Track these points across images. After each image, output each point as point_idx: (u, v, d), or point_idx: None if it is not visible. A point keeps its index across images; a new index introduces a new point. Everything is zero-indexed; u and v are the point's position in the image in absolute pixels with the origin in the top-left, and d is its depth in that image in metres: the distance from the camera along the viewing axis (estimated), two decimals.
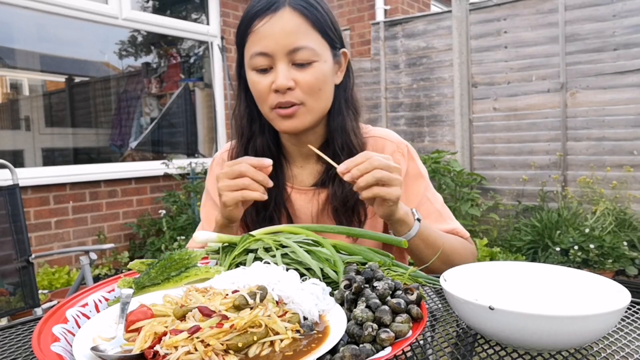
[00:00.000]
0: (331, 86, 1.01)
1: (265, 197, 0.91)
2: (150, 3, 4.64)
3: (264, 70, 0.96)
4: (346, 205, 1.03)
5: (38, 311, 2.13)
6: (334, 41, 1.00)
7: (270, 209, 1.06)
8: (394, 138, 1.11)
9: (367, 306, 0.60)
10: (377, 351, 0.55)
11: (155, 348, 0.52)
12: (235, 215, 0.94)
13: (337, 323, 0.59)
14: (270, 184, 0.91)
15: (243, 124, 1.07)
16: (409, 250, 0.98)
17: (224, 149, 1.17)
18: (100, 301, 0.74)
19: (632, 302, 0.72)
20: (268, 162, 0.89)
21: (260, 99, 0.99)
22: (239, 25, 0.99)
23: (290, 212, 1.08)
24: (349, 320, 0.60)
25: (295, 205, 1.08)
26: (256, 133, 1.07)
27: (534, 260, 3.56)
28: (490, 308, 0.56)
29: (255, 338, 0.54)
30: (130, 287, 0.72)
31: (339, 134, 1.03)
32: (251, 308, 0.57)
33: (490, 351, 0.60)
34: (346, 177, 0.84)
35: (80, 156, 4.41)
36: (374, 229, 1.07)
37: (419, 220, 0.94)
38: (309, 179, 1.09)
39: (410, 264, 1.10)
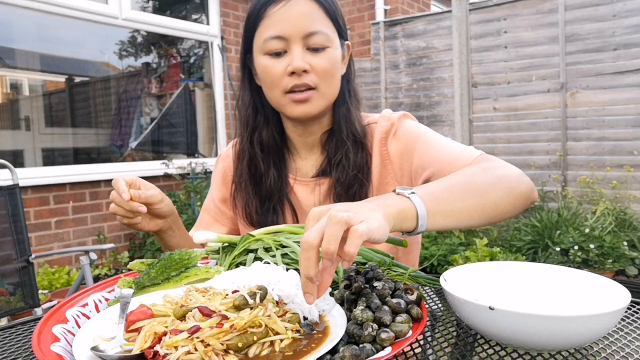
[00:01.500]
0: (340, 74, 1.03)
1: (138, 220, 0.96)
2: (150, 3, 4.64)
3: (277, 54, 0.96)
4: (349, 192, 1.02)
5: (38, 311, 2.13)
6: (342, 30, 1.02)
7: (274, 201, 1.07)
8: (381, 124, 1.05)
9: (367, 306, 0.60)
10: (377, 351, 0.55)
11: (155, 348, 0.52)
12: (141, 228, 1.00)
13: (337, 323, 0.59)
14: (142, 209, 0.93)
15: (248, 114, 1.07)
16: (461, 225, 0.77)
17: (230, 145, 1.17)
18: (100, 301, 0.74)
19: (632, 302, 0.72)
20: (126, 196, 0.92)
21: (273, 83, 0.98)
22: (250, 13, 1.00)
23: (293, 203, 1.08)
24: (349, 320, 0.60)
25: (299, 196, 1.08)
26: (261, 124, 1.07)
27: (534, 260, 3.56)
28: (490, 308, 0.56)
29: (255, 338, 0.54)
30: (130, 287, 0.72)
31: (344, 123, 1.03)
32: (251, 308, 0.57)
33: (490, 351, 0.60)
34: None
35: (80, 156, 4.41)
36: None
37: (413, 193, 0.70)
38: (311, 170, 1.09)
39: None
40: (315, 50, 0.96)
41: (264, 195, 1.07)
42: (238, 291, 0.62)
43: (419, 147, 1.00)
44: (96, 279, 3.32)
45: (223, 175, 1.17)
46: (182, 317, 0.57)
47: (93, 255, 2.36)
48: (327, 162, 1.06)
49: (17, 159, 3.87)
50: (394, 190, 0.71)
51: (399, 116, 1.06)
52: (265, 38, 0.96)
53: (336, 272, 0.74)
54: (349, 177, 1.02)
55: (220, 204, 1.17)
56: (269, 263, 0.72)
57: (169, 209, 1.02)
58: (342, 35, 1.03)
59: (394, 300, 0.61)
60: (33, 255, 2.15)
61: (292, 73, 0.95)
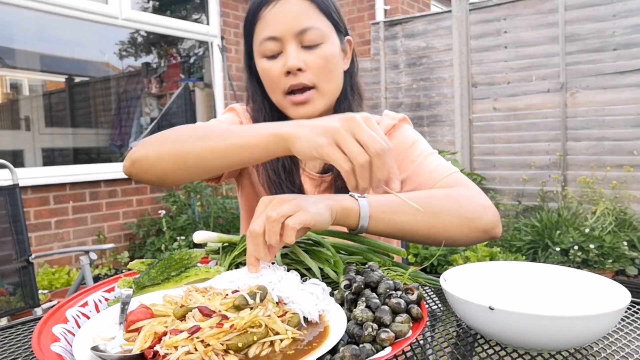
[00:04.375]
0: (341, 70, 1.02)
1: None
2: (150, 3, 4.64)
3: (273, 56, 0.97)
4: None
5: (38, 311, 2.13)
6: (339, 25, 1.02)
7: (289, 180, 1.04)
8: (385, 121, 1.10)
9: (367, 306, 0.60)
10: (377, 351, 0.55)
11: (155, 348, 0.52)
12: None
13: (337, 323, 0.59)
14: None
15: (265, 114, 1.05)
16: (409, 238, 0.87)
17: (241, 106, 1.13)
18: (100, 301, 0.74)
19: (632, 302, 0.72)
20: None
21: (272, 85, 0.99)
22: (247, 16, 1.00)
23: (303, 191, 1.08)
24: (349, 320, 0.60)
25: (305, 188, 1.09)
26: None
27: (534, 260, 3.56)
28: (490, 308, 0.56)
29: (255, 338, 0.54)
30: (130, 287, 0.72)
31: None
32: (251, 308, 0.57)
33: (490, 351, 0.60)
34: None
35: (80, 156, 4.41)
36: None
37: (363, 197, 0.80)
38: (318, 165, 1.09)
39: (409, 263, 1.10)
40: (310, 47, 0.96)
41: (274, 186, 1.05)
42: (238, 291, 0.62)
43: (408, 154, 1.04)
44: (96, 279, 3.32)
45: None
46: (182, 317, 0.57)
47: (93, 255, 2.36)
48: None
49: (17, 159, 3.87)
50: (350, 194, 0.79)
51: (400, 118, 1.10)
52: (260, 40, 0.97)
53: (336, 272, 0.74)
54: None
55: None
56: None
57: None
58: (340, 31, 1.02)
59: (394, 300, 0.61)
60: (33, 255, 2.14)
61: (288, 73, 0.96)
